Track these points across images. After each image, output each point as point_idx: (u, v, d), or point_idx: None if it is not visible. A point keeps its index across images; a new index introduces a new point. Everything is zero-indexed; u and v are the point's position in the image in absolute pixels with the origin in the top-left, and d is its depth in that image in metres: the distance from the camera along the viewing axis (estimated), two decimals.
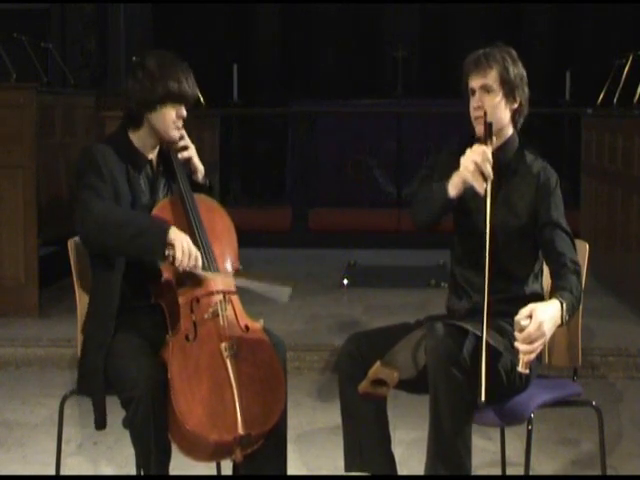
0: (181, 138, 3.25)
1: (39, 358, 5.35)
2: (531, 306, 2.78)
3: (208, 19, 11.68)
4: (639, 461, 3.99)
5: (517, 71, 3.10)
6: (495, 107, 3.09)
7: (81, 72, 10.60)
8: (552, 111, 10.45)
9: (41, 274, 5.92)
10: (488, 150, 2.97)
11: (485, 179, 2.94)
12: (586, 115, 8.01)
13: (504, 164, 3.14)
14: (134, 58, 8.95)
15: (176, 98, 3.13)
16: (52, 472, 3.31)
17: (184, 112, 3.18)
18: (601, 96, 8.05)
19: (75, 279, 3.26)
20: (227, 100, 10.50)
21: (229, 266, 3.20)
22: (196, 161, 3.32)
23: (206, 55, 11.24)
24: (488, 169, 2.94)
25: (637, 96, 7.08)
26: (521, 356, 2.76)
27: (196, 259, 3.00)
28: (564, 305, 2.84)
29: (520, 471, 3.36)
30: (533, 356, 2.77)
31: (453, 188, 3.02)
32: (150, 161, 3.23)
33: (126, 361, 2.96)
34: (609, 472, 3.35)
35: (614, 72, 8.04)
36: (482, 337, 2.78)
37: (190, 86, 3.14)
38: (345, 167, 10.70)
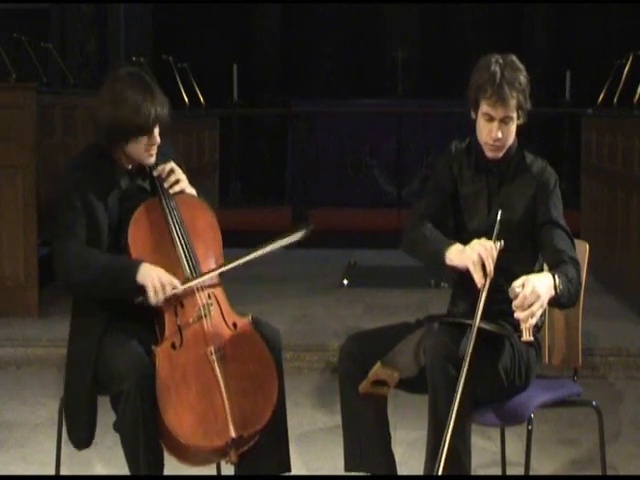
0: (171, 172, 3.19)
1: (39, 358, 5.35)
2: (523, 277, 2.85)
3: (208, 19, 11.69)
4: (639, 461, 3.99)
5: (527, 89, 3.07)
6: (511, 134, 3.11)
7: (81, 72, 10.60)
8: (552, 111, 10.46)
9: (41, 274, 5.91)
10: (495, 249, 2.97)
11: (485, 275, 2.95)
12: (586, 115, 8.01)
13: (504, 164, 3.15)
14: (134, 58, 8.95)
15: (144, 132, 3.07)
16: (52, 472, 3.31)
17: (157, 140, 3.12)
18: (601, 96, 8.05)
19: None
20: (227, 100, 10.51)
21: (213, 264, 3.15)
22: (189, 192, 3.25)
23: (206, 55, 11.25)
24: (490, 266, 2.94)
25: (637, 96, 7.09)
26: (522, 324, 2.80)
27: (171, 285, 2.98)
28: (556, 277, 2.89)
29: (520, 471, 3.36)
30: (534, 321, 2.81)
31: (450, 261, 3.02)
32: (129, 170, 3.18)
33: (115, 357, 2.95)
34: (609, 472, 3.35)
35: (614, 72, 8.04)
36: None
37: (157, 115, 3.05)
38: (345, 167, 10.71)
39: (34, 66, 7.80)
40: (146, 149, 3.11)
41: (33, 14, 11.06)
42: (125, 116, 3.03)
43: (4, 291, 5.85)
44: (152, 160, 3.15)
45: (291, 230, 3.09)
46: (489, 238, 3.03)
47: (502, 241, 3.01)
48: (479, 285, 2.95)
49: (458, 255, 3.00)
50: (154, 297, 2.96)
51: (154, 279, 2.97)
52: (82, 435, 3.09)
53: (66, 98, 7.00)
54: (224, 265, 3.10)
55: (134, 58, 8.85)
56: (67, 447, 3.22)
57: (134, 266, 2.99)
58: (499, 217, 3.04)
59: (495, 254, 2.96)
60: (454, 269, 3.06)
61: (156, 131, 3.10)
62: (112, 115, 3.04)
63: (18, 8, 10.96)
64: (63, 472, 3.44)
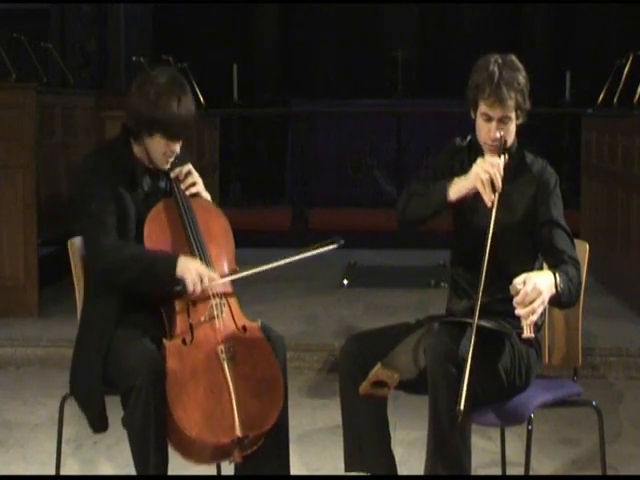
0: (188, 174, 3.24)
1: (39, 358, 5.35)
2: (525, 274, 2.85)
3: (208, 19, 11.68)
4: (639, 461, 3.99)
5: (526, 89, 3.08)
6: (511, 133, 3.11)
7: (81, 72, 10.61)
8: (552, 111, 10.46)
9: (41, 274, 5.91)
10: (502, 163, 3.02)
11: (494, 191, 2.98)
12: (586, 115, 8.00)
13: (504, 164, 3.15)
14: (134, 58, 8.94)
15: (170, 135, 3.10)
16: (52, 472, 3.32)
17: (177, 148, 3.15)
18: (601, 96, 8.05)
19: (75, 279, 3.25)
20: (227, 100, 10.50)
21: (226, 267, 3.20)
22: (204, 195, 3.30)
23: (206, 55, 11.24)
24: (499, 182, 2.99)
25: (637, 96, 7.09)
26: (523, 320, 2.80)
27: (209, 277, 3.03)
28: (557, 275, 2.90)
29: (520, 471, 3.37)
30: (535, 317, 2.81)
31: (455, 192, 3.05)
32: (149, 169, 3.21)
33: (126, 353, 2.97)
34: (609, 472, 3.35)
35: (614, 72, 8.04)
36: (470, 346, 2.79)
37: (185, 122, 3.09)
38: (345, 167, 10.70)
39: (34, 66, 7.80)
40: (165, 153, 3.14)
41: (33, 14, 11.05)
42: (172, 114, 3.05)
43: (4, 291, 5.85)
44: (166, 167, 3.19)
45: (320, 244, 3.13)
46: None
47: (506, 154, 3.03)
48: (489, 203, 2.99)
49: (462, 182, 3.04)
50: (192, 288, 2.99)
51: (192, 272, 3.00)
52: (97, 421, 3.09)
53: (66, 98, 7.00)
54: (256, 267, 3.13)
55: (134, 58, 8.85)
56: (67, 447, 3.23)
57: (172, 260, 3.02)
58: (500, 135, 3.05)
59: (502, 169, 3.01)
60: (455, 206, 3.08)
61: (180, 143, 3.15)
62: (163, 107, 3.05)
63: (18, 8, 10.96)
64: (63, 472, 3.45)
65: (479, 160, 3.04)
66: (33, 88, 5.93)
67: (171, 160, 3.17)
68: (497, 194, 3.00)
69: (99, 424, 3.10)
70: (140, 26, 11.48)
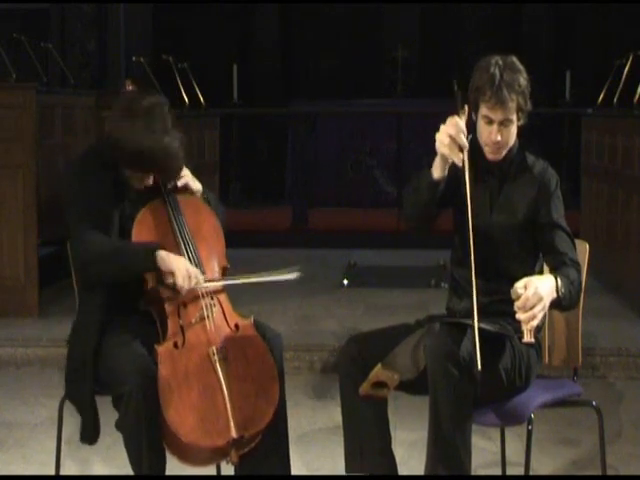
0: None
1: (39, 358, 5.35)
2: (526, 278, 2.84)
3: (208, 19, 11.68)
4: (639, 461, 3.99)
5: (527, 91, 3.07)
6: (512, 136, 3.10)
7: (81, 72, 10.61)
8: (552, 111, 10.46)
9: (41, 274, 5.91)
10: (460, 121, 2.99)
11: (461, 150, 2.97)
12: (586, 115, 8.01)
13: (505, 165, 3.14)
14: (134, 58, 8.94)
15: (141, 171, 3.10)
16: (52, 472, 3.32)
17: (150, 181, 3.14)
18: (601, 96, 8.05)
19: (75, 279, 3.25)
20: (227, 100, 10.51)
21: (216, 266, 3.18)
22: (192, 185, 3.28)
23: (206, 55, 11.25)
24: (462, 140, 2.97)
25: (637, 96, 7.08)
26: (523, 325, 2.79)
27: (196, 279, 3.00)
28: (558, 279, 2.89)
29: (520, 471, 3.37)
30: (535, 322, 2.80)
31: (436, 169, 3.04)
32: None
33: (117, 358, 2.96)
34: (609, 472, 3.35)
35: (614, 72, 8.04)
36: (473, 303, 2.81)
37: (161, 158, 3.05)
38: (345, 167, 10.71)
39: (34, 66, 7.80)
40: (138, 181, 3.13)
41: (33, 14, 11.06)
42: (147, 152, 3.03)
43: (4, 291, 5.85)
44: (140, 187, 3.16)
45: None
46: (489, 236, 3.04)
47: (466, 106, 3.00)
48: (459, 163, 2.96)
49: (437, 158, 3.01)
50: (181, 283, 2.97)
51: (181, 267, 2.98)
52: (89, 431, 3.09)
53: (66, 98, 7.00)
54: (248, 277, 3.13)
55: (134, 58, 8.85)
56: (67, 447, 3.23)
57: (152, 248, 3.00)
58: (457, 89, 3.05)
59: (463, 124, 2.97)
60: (455, 204, 3.08)
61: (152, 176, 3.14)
62: (145, 146, 3.02)
63: (18, 8, 10.97)
64: (63, 472, 3.45)
65: (441, 127, 3.01)
66: (33, 88, 5.93)
67: (142, 186, 3.15)
68: (465, 152, 2.96)
69: (90, 434, 3.09)
70: (140, 26, 11.48)
